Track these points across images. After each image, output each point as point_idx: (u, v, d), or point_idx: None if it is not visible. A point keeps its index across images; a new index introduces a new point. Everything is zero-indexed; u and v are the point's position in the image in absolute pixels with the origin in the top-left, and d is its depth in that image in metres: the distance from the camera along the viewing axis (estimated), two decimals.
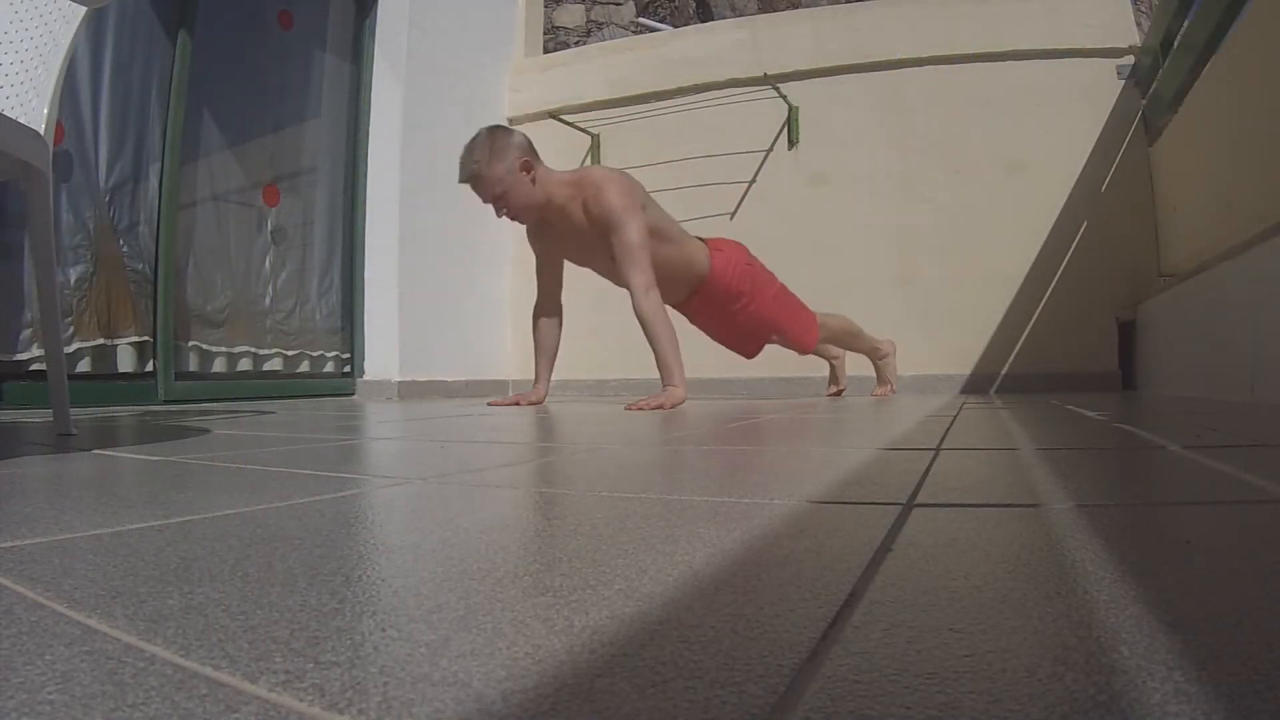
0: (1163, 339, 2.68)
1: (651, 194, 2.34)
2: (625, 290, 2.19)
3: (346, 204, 3.46)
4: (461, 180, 2.22)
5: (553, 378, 2.56)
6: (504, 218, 2.25)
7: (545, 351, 2.49)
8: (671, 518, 0.51)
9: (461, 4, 3.74)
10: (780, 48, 3.50)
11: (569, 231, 2.28)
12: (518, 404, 2.48)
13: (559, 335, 2.51)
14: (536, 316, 2.49)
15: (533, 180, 2.19)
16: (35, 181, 1.20)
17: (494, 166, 2.15)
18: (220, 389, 2.84)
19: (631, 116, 3.78)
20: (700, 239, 2.49)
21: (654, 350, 2.11)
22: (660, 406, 1.98)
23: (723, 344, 2.75)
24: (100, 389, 2.43)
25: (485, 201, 2.24)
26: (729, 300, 2.46)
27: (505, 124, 2.29)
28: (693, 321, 2.64)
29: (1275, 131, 1.75)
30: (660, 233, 2.26)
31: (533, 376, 2.52)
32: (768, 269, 2.60)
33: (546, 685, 0.24)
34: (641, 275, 2.12)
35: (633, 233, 2.13)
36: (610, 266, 2.27)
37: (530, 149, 2.21)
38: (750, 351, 2.75)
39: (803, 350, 2.71)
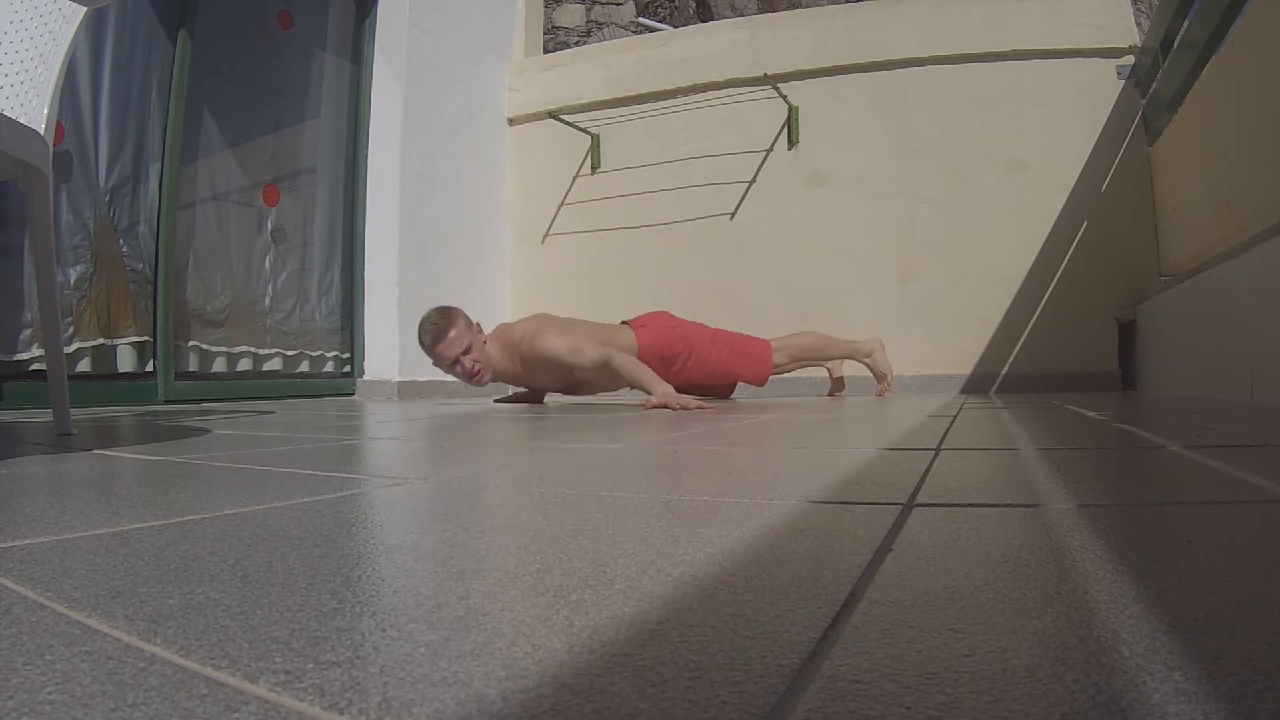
0: (1163, 339, 2.68)
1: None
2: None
3: (346, 204, 3.46)
4: (435, 358, 2.39)
5: None
6: (475, 381, 2.41)
7: None
8: (671, 518, 0.51)
9: (461, 4, 3.74)
10: (780, 48, 3.50)
11: (522, 379, 2.52)
12: (520, 400, 2.63)
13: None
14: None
15: (484, 342, 2.41)
16: (35, 181, 1.20)
17: (448, 331, 2.34)
18: (220, 389, 2.84)
19: (631, 116, 3.78)
20: (624, 323, 2.69)
21: (639, 380, 2.27)
22: (685, 407, 2.05)
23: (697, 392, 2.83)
24: (100, 389, 2.43)
25: (450, 371, 2.40)
26: (667, 365, 2.60)
27: (444, 306, 2.47)
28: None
29: (1275, 131, 1.75)
30: (590, 339, 2.46)
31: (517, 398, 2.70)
32: (696, 323, 2.75)
33: (546, 685, 0.24)
34: (593, 356, 2.31)
35: (573, 349, 2.34)
36: (571, 382, 2.48)
37: (469, 327, 2.39)
38: (722, 394, 2.83)
39: (758, 383, 2.80)
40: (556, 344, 2.34)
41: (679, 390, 2.53)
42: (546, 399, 2.69)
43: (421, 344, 2.36)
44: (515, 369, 2.46)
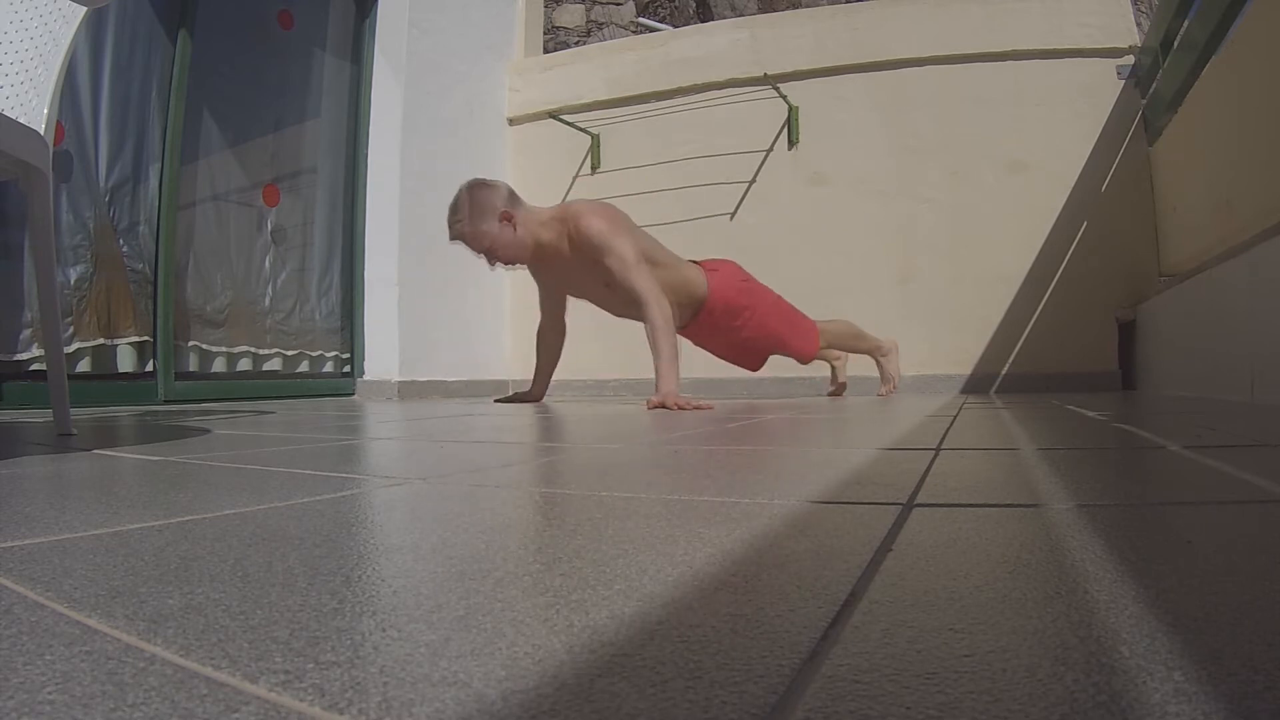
0: (1163, 339, 2.68)
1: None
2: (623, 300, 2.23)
3: (346, 204, 3.46)
4: (451, 239, 2.28)
5: (555, 377, 2.66)
6: (498, 268, 2.32)
7: (545, 364, 2.62)
8: (671, 518, 0.51)
9: (461, 4, 3.74)
10: (780, 48, 3.50)
11: (562, 267, 2.34)
12: (519, 400, 2.59)
13: (560, 348, 2.62)
14: (540, 335, 2.60)
15: (515, 228, 2.23)
16: (35, 181, 1.20)
17: (476, 223, 2.21)
18: (220, 389, 2.84)
19: (631, 116, 3.78)
20: (693, 261, 2.53)
21: (655, 355, 2.12)
22: (681, 407, 1.98)
23: (727, 360, 2.79)
24: (100, 389, 2.43)
25: (476, 256, 2.29)
26: (730, 317, 2.50)
27: (480, 176, 2.30)
28: (696, 343, 2.67)
29: (1275, 131, 1.75)
30: (652, 259, 2.29)
31: (532, 376, 2.61)
32: (762, 284, 2.64)
33: (546, 685, 0.24)
34: (646, 282, 2.15)
35: (625, 250, 2.17)
36: (606, 296, 2.32)
37: (510, 198, 2.25)
38: (754, 365, 2.79)
39: (805, 359, 2.74)
40: (612, 242, 2.14)
41: (724, 342, 2.48)
42: (546, 396, 2.68)
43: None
44: (563, 245, 2.25)
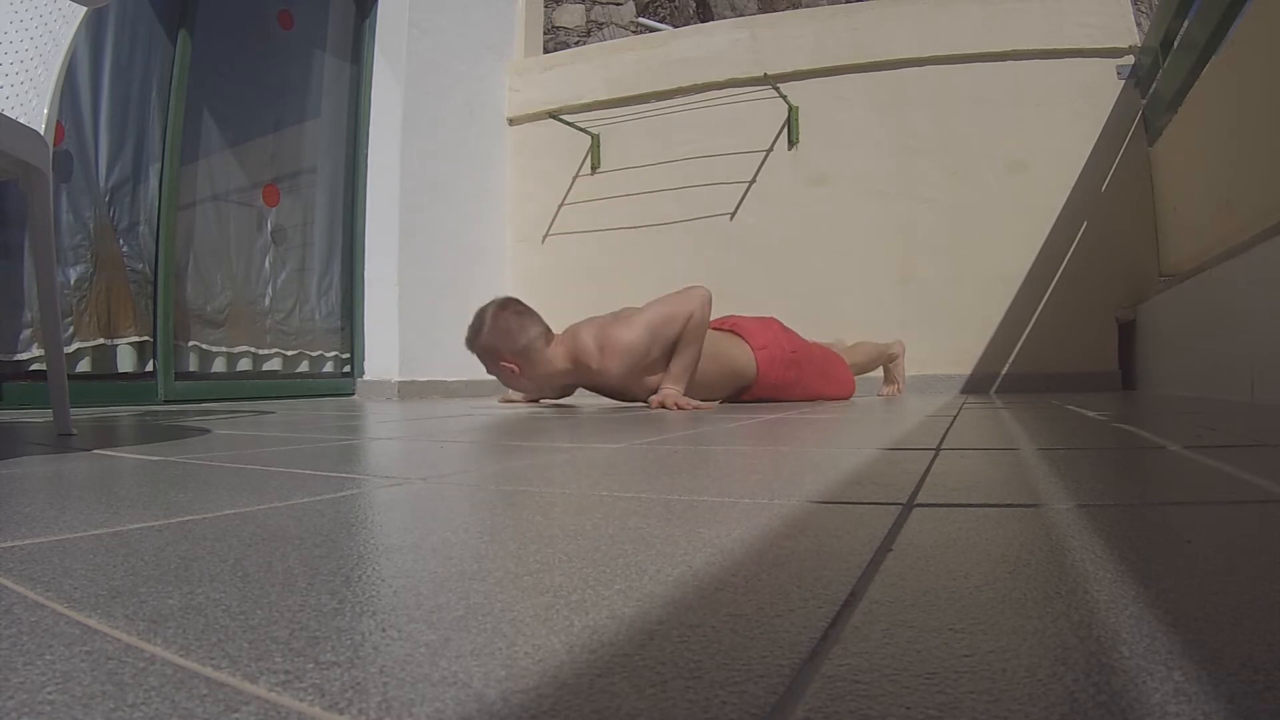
0: (1163, 339, 2.68)
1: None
2: (636, 297, 2.23)
3: (346, 204, 3.46)
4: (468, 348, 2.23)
5: None
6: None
7: None
8: (671, 518, 0.51)
9: (461, 4, 3.74)
10: (780, 48, 3.50)
11: (587, 382, 2.27)
12: (524, 402, 2.53)
13: None
14: None
15: (518, 373, 2.18)
16: (35, 181, 1.20)
17: (489, 362, 2.19)
18: (220, 389, 2.84)
19: (631, 116, 3.78)
20: (734, 332, 2.39)
21: (678, 350, 2.10)
22: (681, 407, 1.98)
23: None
24: (100, 389, 2.43)
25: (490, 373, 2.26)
26: (775, 391, 2.40)
27: (513, 304, 2.23)
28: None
29: (1275, 131, 1.75)
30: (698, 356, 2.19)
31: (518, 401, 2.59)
32: (802, 340, 2.52)
33: (546, 685, 0.24)
34: (679, 313, 2.08)
35: (650, 329, 2.08)
36: (645, 385, 2.20)
37: (523, 347, 2.14)
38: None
39: (847, 396, 2.66)
40: (634, 340, 2.06)
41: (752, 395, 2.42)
42: (543, 400, 2.68)
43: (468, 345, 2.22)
44: (582, 381, 2.23)
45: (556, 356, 2.19)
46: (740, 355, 2.32)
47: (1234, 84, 2.05)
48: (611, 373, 2.11)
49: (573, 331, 2.22)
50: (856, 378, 3.02)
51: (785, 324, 2.54)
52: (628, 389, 2.21)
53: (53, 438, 1.22)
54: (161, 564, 0.40)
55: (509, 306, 2.19)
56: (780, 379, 2.36)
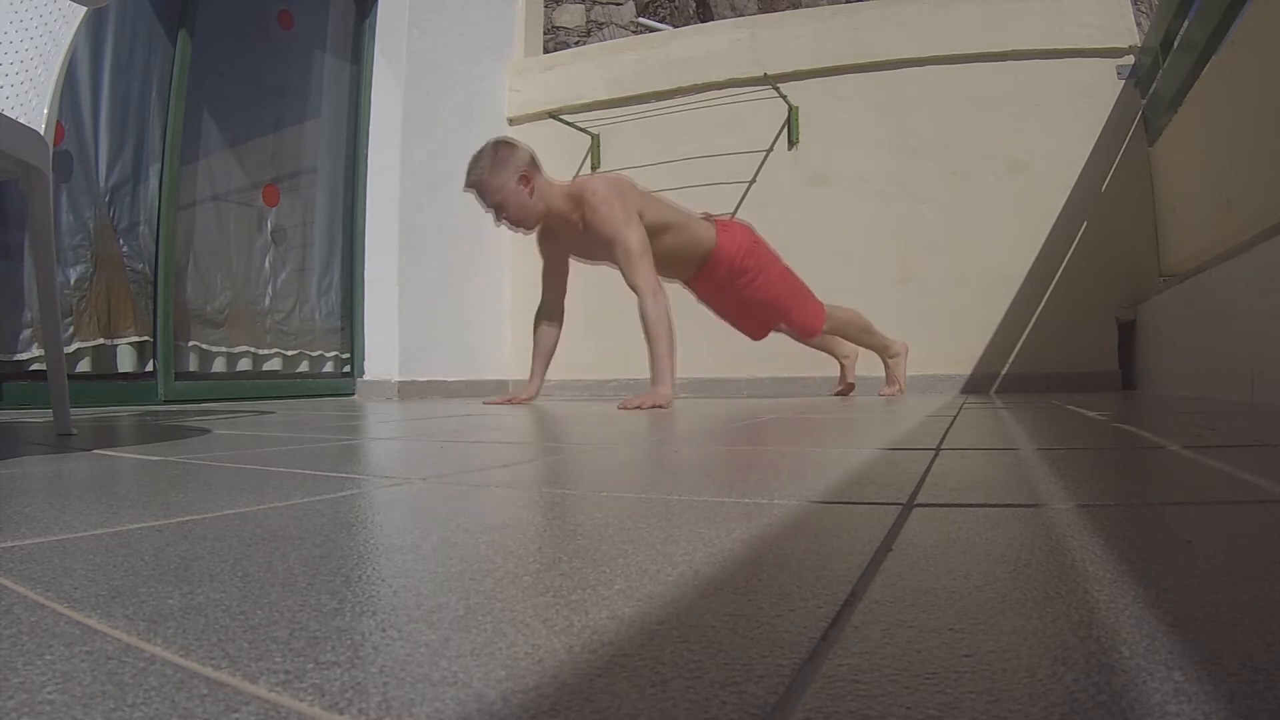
0: (1163, 339, 2.68)
1: (651, 193, 2.40)
2: (627, 291, 2.27)
3: (346, 204, 3.46)
4: (465, 187, 2.34)
5: (553, 377, 2.61)
6: (503, 225, 2.36)
7: (542, 353, 2.60)
8: (671, 518, 0.51)
9: (461, 4, 3.74)
10: (780, 48, 3.50)
11: (572, 238, 2.41)
12: (511, 402, 2.58)
13: (557, 338, 2.62)
14: (538, 319, 2.59)
15: (531, 192, 2.30)
16: (35, 181, 1.20)
17: (495, 176, 2.26)
18: (220, 389, 2.84)
19: (631, 116, 3.78)
20: (707, 216, 2.60)
21: (651, 351, 2.19)
22: (656, 406, 2.05)
23: (729, 320, 2.81)
24: (100, 389, 2.43)
25: (486, 209, 2.35)
26: (733, 276, 2.54)
27: (509, 135, 2.39)
28: (698, 296, 2.72)
29: (1275, 131, 1.75)
30: (664, 226, 2.38)
31: (515, 400, 2.61)
32: (773, 251, 2.66)
33: (546, 685, 0.24)
34: (645, 278, 2.22)
35: (631, 242, 2.23)
36: (607, 255, 2.37)
37: (532, 163, 2.32)
38: (756, 333, 2.81)
39: (808, 335, 2.75)
40: (617, 224, 2.22)
41: (726, 301, 2.57)
42: (543, 397, 2.68)
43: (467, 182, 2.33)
44: (574, 216, 2.32)
45: (555, 184, 2.37)
46: (703, 232, 2.52)
47: (1234, 84, 2.05)
48: (595, 215, 2.25)
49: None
50: (856, 378, 3.03)
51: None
52: (598, 245, 2.33)
53: (53, 438, 1.22)
54: (161, 564, 0.40)
55: (501, 139, 2.35)
56: (739, 261, 2.52)
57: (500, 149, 2.28)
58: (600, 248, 2.32)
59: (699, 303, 2.76)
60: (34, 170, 1.19)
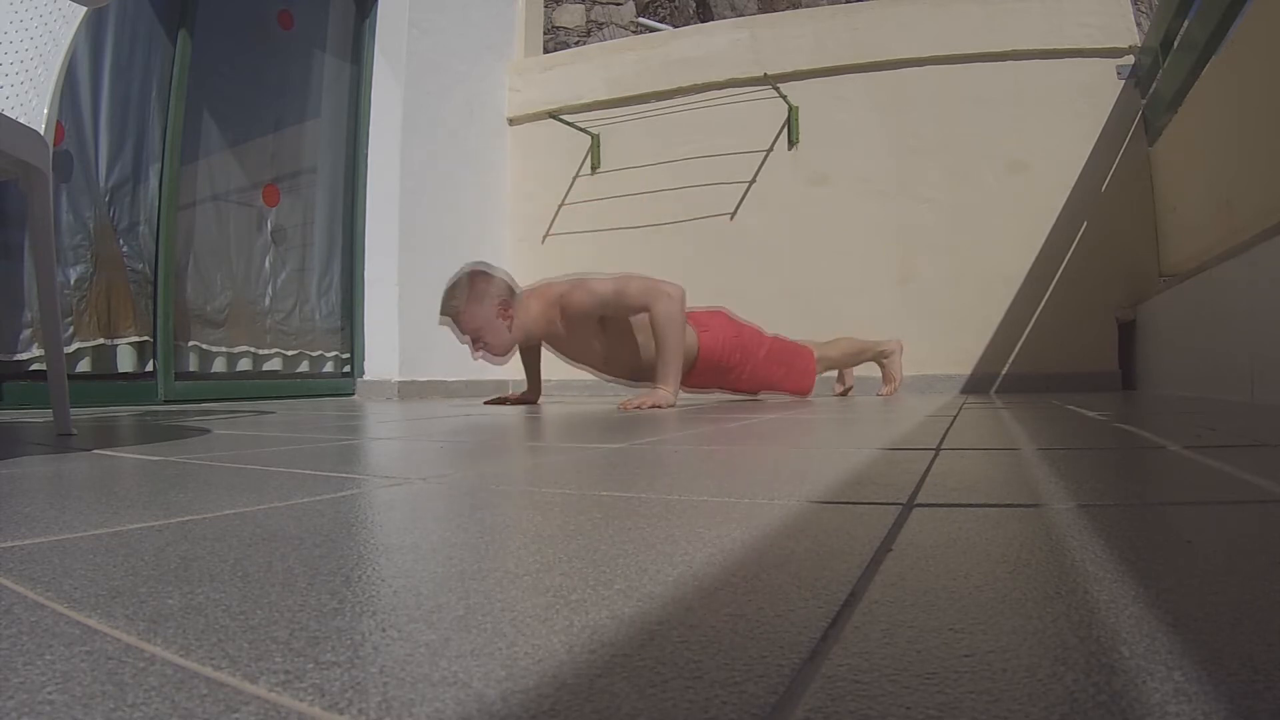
0: (1163, 339, 2.68)
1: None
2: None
3: (346, 204, 3.46)
4: (441, 316, 2.29)
5: (553, 377, 2.63)
6: (479, 357, 2.30)
7: (531, 365, 2.63)
8: (671, 518, 0.51)
9: (461, 4, 3.74)
10: (780, 48, 3.50)
11: (556, 342, 2.38)
12: (511, 400, 2.60)
13: (540, 354, 2.62)
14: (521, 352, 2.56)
15: (510, 324, 2.26)
16: (35, 181, 1.20)
17: (471, 308, 2.22)
18: (220, 389, 2.84)
19: (631, 116, 3.78)
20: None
21: (659, 350, 2.18)
22: (656, 406, 2.05)
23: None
24: (100, 389, 2.43)
25: (461, 339, 2.30)
26: (720, 375, 2.53)
27: (484, 263, 2.34)
28: (688, 388, 2.66)
29: (1275, 131, 1.75)
30: (645, 325, 2.29)
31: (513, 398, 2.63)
32: (753, 328, 2.62)
33: (546, 685, 0.24)
34: (646, 288, 2.18)
35: (606, 286, 2.21)
36: (603, 355, 2.36)
37: (509, 291, 2.27)
38: (753, 394, 2.79)
39: (802, 396, 2.73)
40: (600, 287, 2.20)
41: (718, 387, 2.54)
42: (544, 398, 2.68)
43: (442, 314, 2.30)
44: (553, 329, 2.30)
45: (529, 302, 2.31)
46: (685, 333, 2.45)
47: (1234, 84, 2.05)
48: (573, 303, 2.21)
49: (534, 285, 2.38)
50: (855, 378, 3.04)
51: (743, 318, 2.65)
52: (581, 346, 2.32)
53: (53, 438, 1.22)
54: (161, 564, 0.40)
55: (477, 269, 2.30)
56: (723, 360, 2.49)
57: (476, 281, 2.24)
58: (585, 343, 2.30)
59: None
60: (34, 170, 1.19)
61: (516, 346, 2.32)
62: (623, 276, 2.24)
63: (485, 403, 2.61)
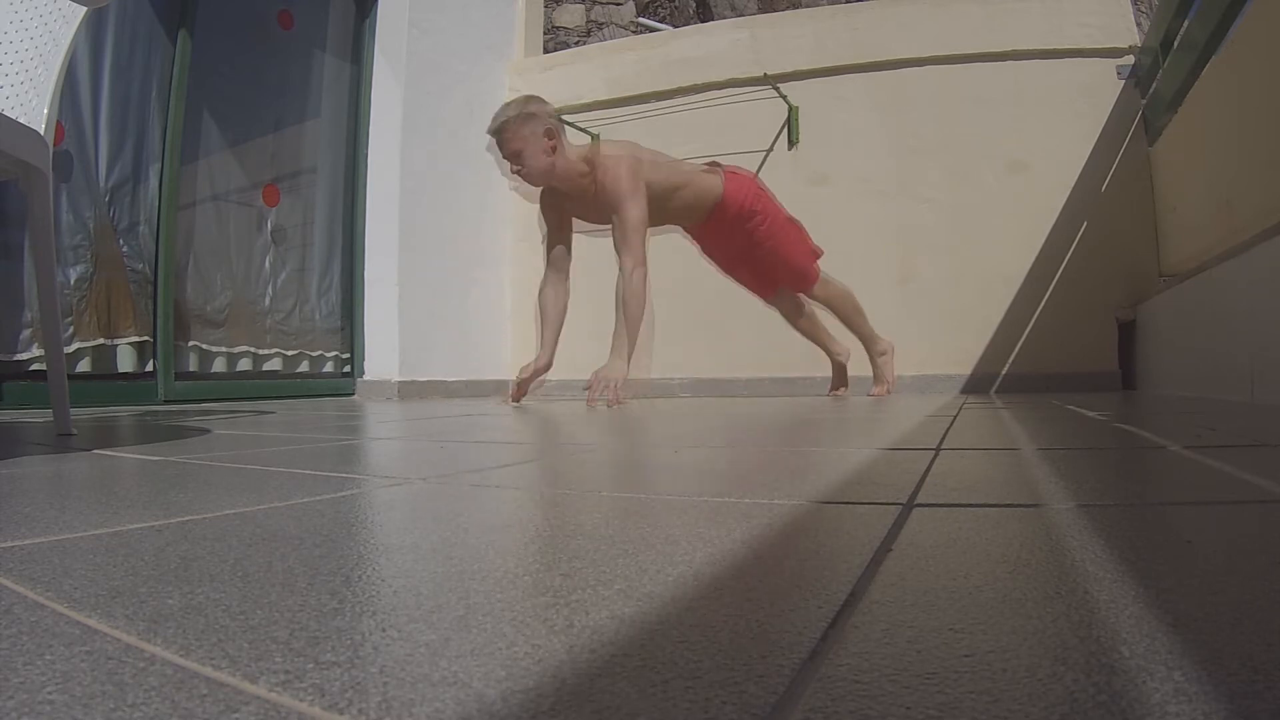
0: (1163, 339, 2.68)
1: (659, 156, 2.49)
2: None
3: (346, 204, 3.46)
4: (490, 130, 2.38)
5: (553, 377, 2.60)
6: (517, 176, 2.39)
7: (551, 321, 2.56)
8: (671, 518, 0.51)
9: (461, 4, 3.74)
10: (780, 48, 3.50)
11: (581, 200, 2.49)
12: (527, 383, 2.58)
13: (566, 304, 2.60)
14: (544, 285, 2.59)
15: (552, 149, 2.35)
16: (35, 181, 1.20)
17: (522, 125, 2.31)
18: (220, 389, 2.84)
19: (631, 116, 3.78)
20: (713, 166, 2.70)
21: (617, 321, 2.28)
22: (613, 402, 2.16)
23: (733, 273, 2.90)
24: (100, 389, 2.43)
25: (505, 156, 2.39)
26: (742, 220, 2.64)
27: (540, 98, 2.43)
28: (705, 248, 2.84)
29: (1275, 131, 1.75)
30: (674, 187, 2.49)
31: (527, 375, 2.56)
32: (777, 200, 2.76)
33: (546, 685, 0.24)
34: (630, 257, 2.31)
35: (631, 216, 2.33)
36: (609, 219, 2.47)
37: (558, 125, 2.39)
38: (765, 286, 2.87)
39: (805, 283, 2.80)
40: (627, 209, 2.33)
41: (735, 248, 2.66)
42: (547, 398, 2.67)
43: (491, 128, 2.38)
44: (585, 182, 2.41)
45: (572, 153, 2.42)
46: (710, 183, 2.62)
47: (1234, 84, 2.05)
48: (609, 173, 2.35)
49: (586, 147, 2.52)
50: (852, 376, 3.03)
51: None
52: (603, 211, 2.44)
53: (53, 438, 1.22)
54: (161, 564, 0.40)
55: (533, 96, 2.43)
56: (745, 204, 2.62)
57: (531, 101, 2.35)
58: (606, 211, 2.41)
59: (703, 256, 2.87)
60: (34, 170, 1.19)
61: (549, 179, 2.40)
62: (638, 224, 2.35)
63: (500, 402, 2.58)
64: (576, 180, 2.41)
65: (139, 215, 2.55)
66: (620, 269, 2.32)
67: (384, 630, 0.29)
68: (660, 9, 6.64)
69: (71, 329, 2.32)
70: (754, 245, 2.70)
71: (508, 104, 2.36)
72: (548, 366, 2.55)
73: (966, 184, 3.24)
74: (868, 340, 2.89)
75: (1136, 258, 3.02)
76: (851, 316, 2.90)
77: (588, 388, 2.20)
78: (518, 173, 2.35)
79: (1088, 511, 0.50)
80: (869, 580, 0.35)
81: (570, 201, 2.51)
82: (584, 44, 6.07)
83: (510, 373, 3.87)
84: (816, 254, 2.81)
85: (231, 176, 2.97)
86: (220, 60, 2.88)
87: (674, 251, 3.64)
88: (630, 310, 2.28)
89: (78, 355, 2.35)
